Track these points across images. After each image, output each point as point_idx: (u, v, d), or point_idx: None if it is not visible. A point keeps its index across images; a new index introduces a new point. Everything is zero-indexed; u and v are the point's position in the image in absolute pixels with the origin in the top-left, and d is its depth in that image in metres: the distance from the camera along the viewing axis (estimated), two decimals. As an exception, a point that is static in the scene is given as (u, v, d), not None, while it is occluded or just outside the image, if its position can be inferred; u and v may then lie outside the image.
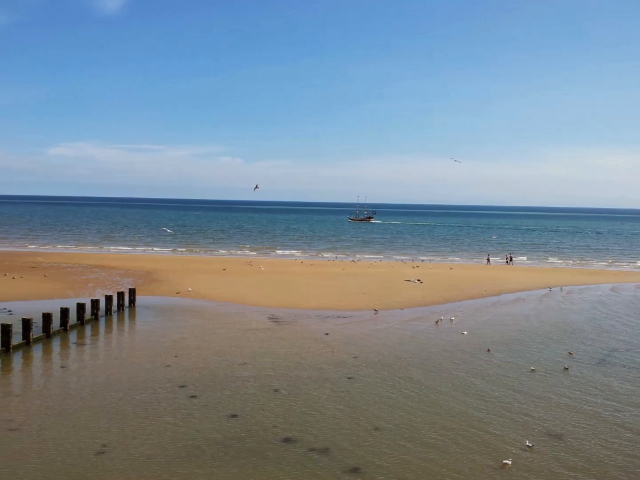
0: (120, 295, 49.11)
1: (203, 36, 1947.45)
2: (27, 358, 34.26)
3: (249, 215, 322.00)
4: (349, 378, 31.43)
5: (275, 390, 29.08)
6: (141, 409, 26.25)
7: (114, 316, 46.74)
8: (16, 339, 35.76)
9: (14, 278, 64.36)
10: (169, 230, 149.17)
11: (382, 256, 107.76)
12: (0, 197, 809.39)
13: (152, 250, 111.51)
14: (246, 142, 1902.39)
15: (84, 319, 42.94)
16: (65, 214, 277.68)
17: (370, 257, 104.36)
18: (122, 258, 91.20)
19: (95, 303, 44.98)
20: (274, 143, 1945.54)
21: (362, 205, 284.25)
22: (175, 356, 34.86)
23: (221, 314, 48.17)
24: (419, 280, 69.69)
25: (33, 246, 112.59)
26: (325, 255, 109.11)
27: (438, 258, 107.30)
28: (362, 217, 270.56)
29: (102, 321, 44.79)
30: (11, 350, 34.66)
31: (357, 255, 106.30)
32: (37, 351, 35.78)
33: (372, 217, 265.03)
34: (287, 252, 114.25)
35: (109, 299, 47.11)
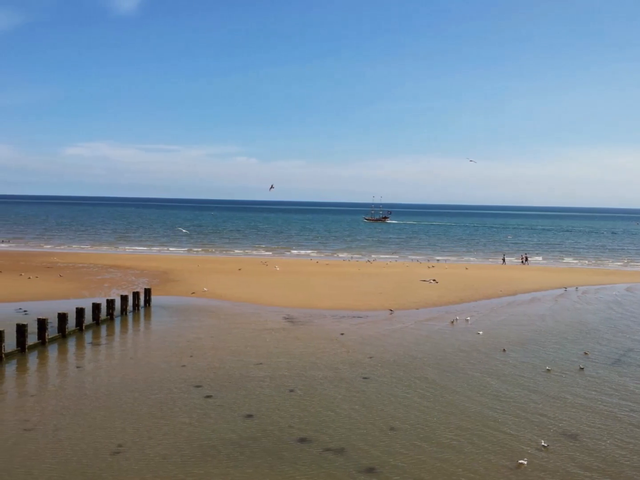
0: (136, 295, 49.33)
1: (218, 36, 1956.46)
2: (42, 358, 34.48)
3: (264, 215, 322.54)
4: (365, 378, 31.32)
5: (291, 390, 29.03)
6: (157, 409, 26.30)
7: (130, 316, 46.95)
8: (31, 339, 36.00)
9: (29, 278, 64.86)
10: (184, 230, 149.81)
11: (397, 256, 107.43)
12: (16, 197, 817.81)
13: (168, 250, 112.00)
14: (261, 142, 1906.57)
15: (100, 319, 43.17)
16: (80, 214, 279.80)
17: (386, 257, 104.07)
18: (137, 258, 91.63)
19: (110, 303, 45.18)
20: (289, 143, 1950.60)
21: (377, 205, 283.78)
22: (191, 356, 34.93)
23: (237, 314, 48.23)
24: (434, 280, 69.38)
25: (48, 246, 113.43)
26: (340, 255, 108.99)
27: (453, 258, 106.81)
28: (377, 217, 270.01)
29: (117, 321, 45.00)
30: (27, 350, 34.87)
31: (373, 255, 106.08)
32: (52, 351, 36.00)
33: (387, 217, 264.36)
34: (302, 252, 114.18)
35: (124, 299, 47.32)
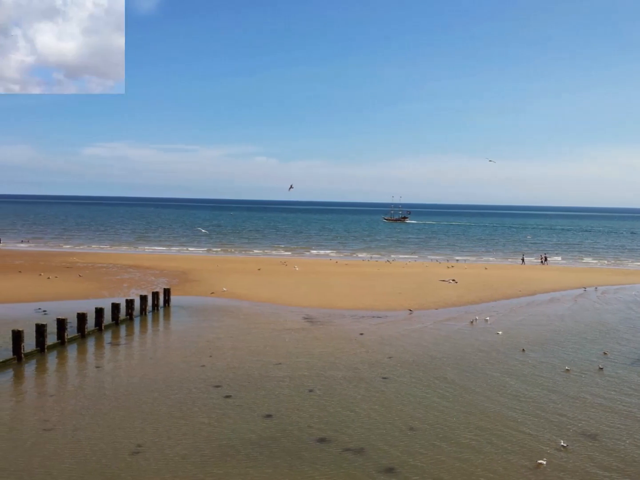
0: (155, 295, 49.59)
1: (237, 36, 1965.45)
2: (61, 358, 34.76)
3: (283, 216, 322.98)
4: (384, 378, 31.18)
5: (310, 390, 28.97)
6: (176, 409, 26.37)
7: (149, 316, 47.20)
8: (51, 339, 36.32)
9: (48, 278, 65.44)
10: (203, 230, 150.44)
11: (416, 256, 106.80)
12: (36, 197, 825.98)
13: (187, 250, 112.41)
14: (281, 142, 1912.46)
15: (119, 319, 43.44)
16: (99, 214, 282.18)
17: (405, 257, 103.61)
18: (156, 258, 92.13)
19: (130, 303, 45.45)
20: (308, 143, 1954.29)
21: (396, 205, 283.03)
22: (210, 356, 35.01)
23: (256, 314, 48.29)
24: (453, 280, 68.95)
25: (68, 246, 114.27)
26: (359, 255, 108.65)
27: (473, 258, 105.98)
28: (396, 217, 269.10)
29: (136, 321, 45.26)
30: (46, 350, 35.17)
31: (392, 255, 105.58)
32: (71, 351, 36.28)
33: (406, 217, 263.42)
34: (321, 252, 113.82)
35: (143, 299, 47.60)
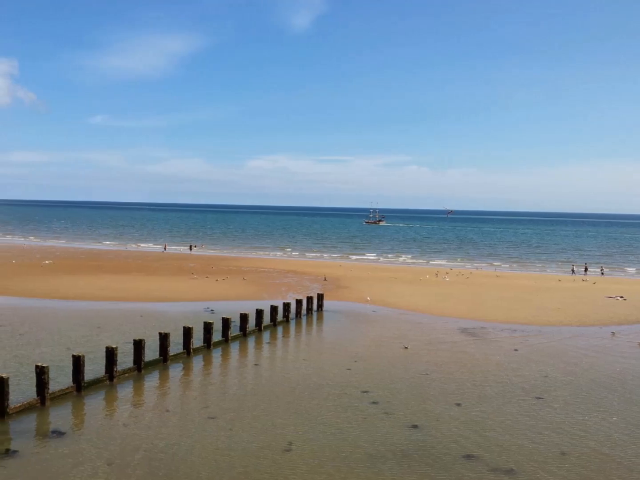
0: (309, 299, 51.51)
1: (391, 51, 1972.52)
2: (225, 354, 37.31)
3: (448, 226, 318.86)
4: (538, 398, 29.86)
5: (458, 404, 28.53)
6: (325, 410, 27.23)
7: (303, 319, 49.14)
8: (216, 336, 39.11)
9: (216, 280, 70.42)
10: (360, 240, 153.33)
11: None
12: (203, 206, 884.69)
13: (348, 258, 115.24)
14: (433, 150, 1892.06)
15: (276, 320, 45.74)
16: (260, 222, 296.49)
17: (562, 273, 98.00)
18: (313, 264, 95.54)
19: (286, 306, 47.70)
20: (461, 151, 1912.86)
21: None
22: (355, 361, 35.71)
23: (405, 322, 48.39)
24: (621, 297, 64.17)
25: (236, 251, 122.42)
26: (514, 267, 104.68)
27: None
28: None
29: (292, 323, 47.33)
30: (212, 346, 37.98)
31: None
32: (234, 348, 38.82)
33: None
34: (478, 264, 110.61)
35: (299, 302, 49.69)
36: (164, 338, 34.19)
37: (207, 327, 37.89)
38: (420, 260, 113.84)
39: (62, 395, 27.60)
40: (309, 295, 53.23)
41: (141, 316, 47.53)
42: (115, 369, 30.37)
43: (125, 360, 32.55)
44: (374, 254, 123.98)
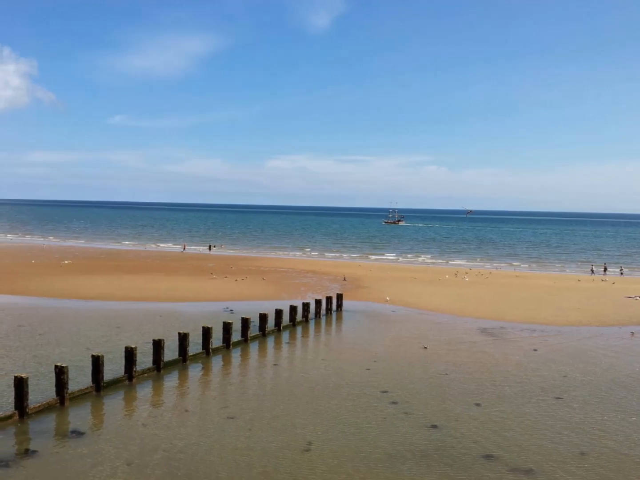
0: (329, 299, 51.55)
1: (410, 50, 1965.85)
2: (244, 354, 37.49)
3: (467, 226, 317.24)
4: (557, 398, 29.64)
5: (477, 404, 28.41)
6: (344, 410, 27.25)
7: (323, 319, 49.20)
8: (235, 336, 39.29)
9: (236, 280, 70.72)
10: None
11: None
12: (223, 206, 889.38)
13: (367, 258, 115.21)
14: (452, 150, 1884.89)
15: (295, 320, 45.85)
16: (280, 222, 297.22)
17: (582, 272, 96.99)
18: (332, 264, 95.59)
19: (306, 306, 47.79)
20: (480, 151, 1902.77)
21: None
22: (375, 361, 35.69)
23: (425, 322, 48.28)
24: (642, 296, 63.43)
25: (255, 251, 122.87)
26: (534, 266, 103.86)
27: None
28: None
29: (311, 323, 47.41)
30: (231, 346, 38.17)
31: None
32: (253, 348, 38.99)
33: None
34: (497, 264, 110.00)
35: (318, 302, 49.76)
36: (183, 338, 34.43)
37: (227, 327, 38.09)
38: (440, 260, 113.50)
39: (81, 395, 27.92)
40: (328, 295, 53.29)
41: (160, 316, 47.92)
42: (134, 369, 30.67)
43: (144, 360, 32.80)
44: (394, 254, 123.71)
